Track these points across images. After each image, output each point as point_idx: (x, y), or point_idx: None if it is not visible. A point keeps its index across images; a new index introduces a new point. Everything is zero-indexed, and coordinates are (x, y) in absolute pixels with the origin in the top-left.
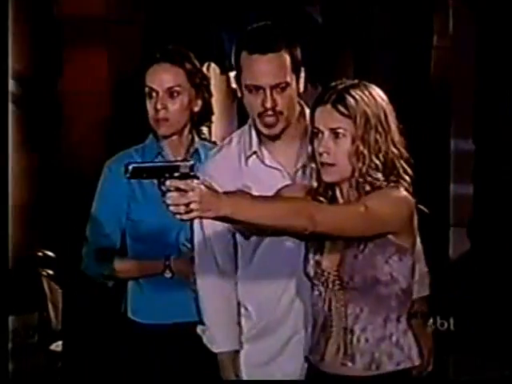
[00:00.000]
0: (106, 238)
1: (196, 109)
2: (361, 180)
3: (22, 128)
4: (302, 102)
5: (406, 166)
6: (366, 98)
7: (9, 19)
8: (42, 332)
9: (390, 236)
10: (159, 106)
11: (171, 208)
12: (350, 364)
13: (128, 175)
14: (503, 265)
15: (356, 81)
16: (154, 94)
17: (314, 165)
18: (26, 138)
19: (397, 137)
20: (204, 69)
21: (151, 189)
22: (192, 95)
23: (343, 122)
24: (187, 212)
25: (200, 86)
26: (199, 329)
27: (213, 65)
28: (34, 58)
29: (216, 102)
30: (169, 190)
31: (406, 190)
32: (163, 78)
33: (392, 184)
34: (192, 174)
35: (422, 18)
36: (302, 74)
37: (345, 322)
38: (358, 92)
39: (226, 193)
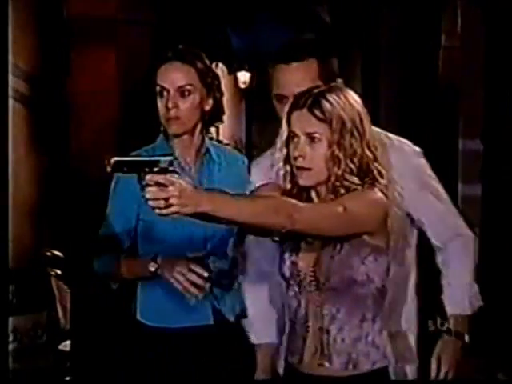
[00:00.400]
0: (114, 237)
1: (207, 108)
2: (337, 184)
3: (31, 128)
4: None
5: (380, 169)
6: (341, 102)
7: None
8: (50, 332)
9: (365, 236)
10: (170, 105)
11: (150, 202)
12: (327, 364)
13: (109, 168)
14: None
15: (332, 84)
16: (165, 93)
17: (288, 168)
18: (34, 138)
19: (371, 139)
20: None
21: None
22: (203, 94)
23: (319, 127)
24: (167, 207)
25: (211, 85)
26: (244, 320)
27: (220, 65)
28: (42, 58)
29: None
30: (148, 185)
31: (382, 191)
32: (174, 76)
33: (366, 185)
34: (171, 168)
35: (430, 17)
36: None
37: (321, 322)
38: (334, 96)
39: (205, 190)
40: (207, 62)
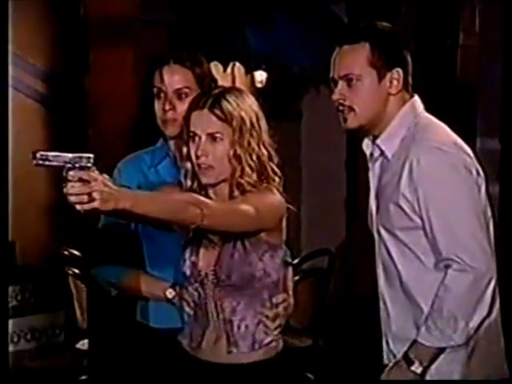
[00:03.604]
0: (114, 239)
1: None
2: (238, 181)
3: (50, 127)
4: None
5: (274, 167)
6: (240, 103)
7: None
8: (68, 330)
9: (262, 235)
10: (167, 107)
11: (72, 198)
12: (234, 350)
13: (35, 162)
14: None
15: (228, 86)
16: (162, 95)
17: (189, 165)
18: (53, 137)
19: (267, 139)
20: (229, 69)
21: (161, 188)
22: None
23: (221, 127)
24: (89, 202)
25: (208, 88)
26: None
27: (238, 64)
28: (61, 58)
29: None
30: (71, 180)
31: (278, 190)
32: (172, 79)
33: (265, 185)
34: (90, 165)
35: (448, 16)
36: (392, 74)
37: (222, 314)
38: (233, 97)
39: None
40: (206, 65)
